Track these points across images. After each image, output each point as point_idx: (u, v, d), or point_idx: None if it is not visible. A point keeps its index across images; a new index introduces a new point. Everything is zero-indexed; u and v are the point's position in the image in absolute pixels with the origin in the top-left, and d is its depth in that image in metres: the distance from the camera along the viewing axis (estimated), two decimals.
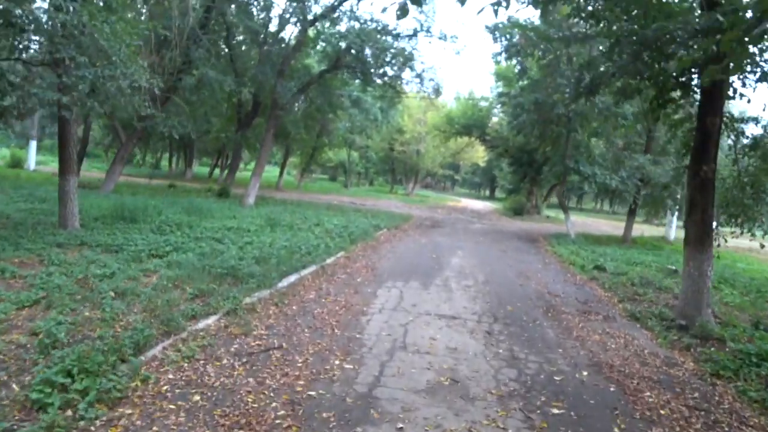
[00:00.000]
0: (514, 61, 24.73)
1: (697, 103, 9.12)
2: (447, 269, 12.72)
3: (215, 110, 30.05)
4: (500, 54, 22.53)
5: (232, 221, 15.21)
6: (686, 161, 9.75)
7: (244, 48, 28.17)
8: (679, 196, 21.70)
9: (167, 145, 46.67)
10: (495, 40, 22.13)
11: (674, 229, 28.32)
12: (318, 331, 6.94)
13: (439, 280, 11.24)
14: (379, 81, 25.58)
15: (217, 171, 46.64)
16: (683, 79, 8.67)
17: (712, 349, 7.78)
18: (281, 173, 45.45)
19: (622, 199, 23.53)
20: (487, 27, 21.54)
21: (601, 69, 8.61)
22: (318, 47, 26.88)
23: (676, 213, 25.94)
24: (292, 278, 9.59)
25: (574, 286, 12.41)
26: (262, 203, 22.76)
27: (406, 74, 25.33)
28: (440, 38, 23.26)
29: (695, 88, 8.83)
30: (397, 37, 23.31)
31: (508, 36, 21.12)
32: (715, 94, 8.49)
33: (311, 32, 25.31)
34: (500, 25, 21.01)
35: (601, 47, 9.28)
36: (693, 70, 8.36)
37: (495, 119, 43.74)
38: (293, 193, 35.94)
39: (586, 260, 16.11)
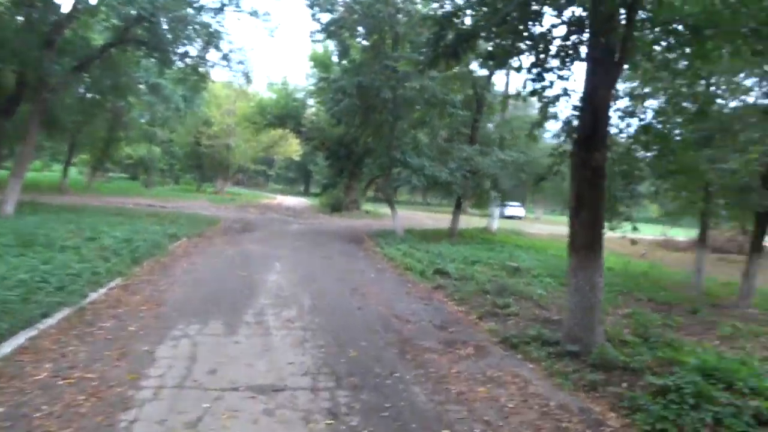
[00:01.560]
0: (332, 47, 22.35)
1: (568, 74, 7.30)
2: (262, 294, 9.73)
3: None
4: (320, 32, 19.86)
5: None
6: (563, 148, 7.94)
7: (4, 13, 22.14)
8: (499, 187, 21.04)
9: None
10: (314, 16, 19.52)
11: (497, 220, 28.11)
12: None
13: (251, 315, 8.20)
14: (179, 62, 21.54)
15: None
16: (568, 42, 6.72)
17: (624, 385, 6.01)
18: (65, 172, 38.61)
19: (449, 191, 22.18)
20: None
21: (469, 25, 6.36)
22: (101, 16, 22.02)
23: (500, 205, 25.54)
24: (20, 339, 5.99)
25: (420, 300, 10.27)
26: (28, 211, 17.57)
27: (212, 56, 21.73)
28: (251, 14, 19.93)
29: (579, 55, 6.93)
30: (200, 9, 19.57)
31: (329, 8, 18.54)
32: (609, 62, 6.63)
33: None
34: None
35: None
36: (583, 31, 6.44)
37: (311, 110, 41.22)
38: (81, 197, 30.02)
39: (422, 263, 14.22)
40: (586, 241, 6.93)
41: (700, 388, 5.45)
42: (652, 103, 9.25)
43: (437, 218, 36.99)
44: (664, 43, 6.80)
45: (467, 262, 15.11)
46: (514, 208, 46.24)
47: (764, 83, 10.67)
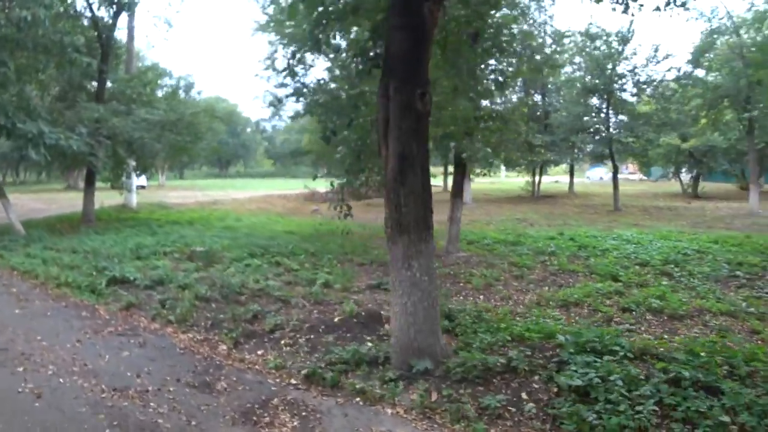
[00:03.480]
0: None
1: None
2: None
3: None
4: None
5: None
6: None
7: None
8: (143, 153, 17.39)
9: None
10: None
11: (135, 194, 23.81)
12: None
13: None
14: None
15: None
16: None
17: (524, 395, 4.68)
18: None
19: (79, 162, 17.44)
20: None
21: None
22: None
23: (140, 174, 21.31)
24: None
25: (126, 341, 6.66)
26: None
27: None
28: None
29: None
30: None
31: None
32: None
33: None
34: None
35: None
36: None
37: None
38: None
39: (82, 271, 10.05)
40: (417, 216, 4.94)
41: (620, 372, 4.59)
42: None
43: (47, 200, 30.02)
44: None
45: (140, 256, 11.44)
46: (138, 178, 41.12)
47: None
